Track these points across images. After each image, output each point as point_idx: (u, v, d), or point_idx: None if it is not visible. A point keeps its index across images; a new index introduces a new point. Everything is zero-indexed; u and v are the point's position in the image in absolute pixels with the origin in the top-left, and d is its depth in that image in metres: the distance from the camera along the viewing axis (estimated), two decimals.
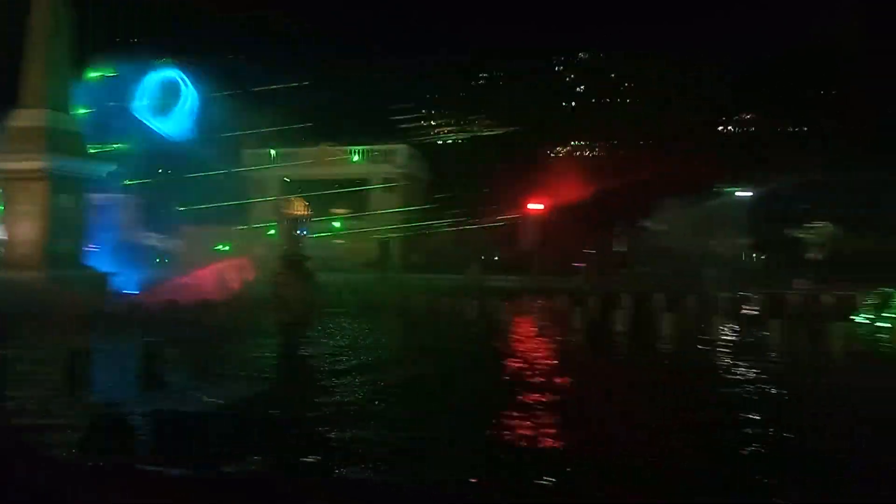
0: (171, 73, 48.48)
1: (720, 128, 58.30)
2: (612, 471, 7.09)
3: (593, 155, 51.12)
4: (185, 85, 48.13)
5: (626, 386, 11.84)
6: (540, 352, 15.89)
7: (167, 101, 48.00)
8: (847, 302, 23.22)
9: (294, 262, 15.78)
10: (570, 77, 52.90)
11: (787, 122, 57.51)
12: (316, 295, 16.62)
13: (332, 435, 7.93)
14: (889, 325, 20.33)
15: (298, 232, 16.13)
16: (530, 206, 46.48)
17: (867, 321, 21.03)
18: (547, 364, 14.43)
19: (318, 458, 6.47)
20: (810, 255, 45.16)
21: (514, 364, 13.95)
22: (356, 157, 51.53)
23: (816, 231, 46.84)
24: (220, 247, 37.97)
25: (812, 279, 38.33)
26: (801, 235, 47.16)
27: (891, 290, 21.15)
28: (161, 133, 46.84)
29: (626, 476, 6.94)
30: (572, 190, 47.81)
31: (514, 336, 18.68)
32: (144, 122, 46.67)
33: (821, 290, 30.97)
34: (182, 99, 48.01)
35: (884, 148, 43.64)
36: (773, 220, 46.08)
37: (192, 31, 53.23)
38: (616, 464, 7.29)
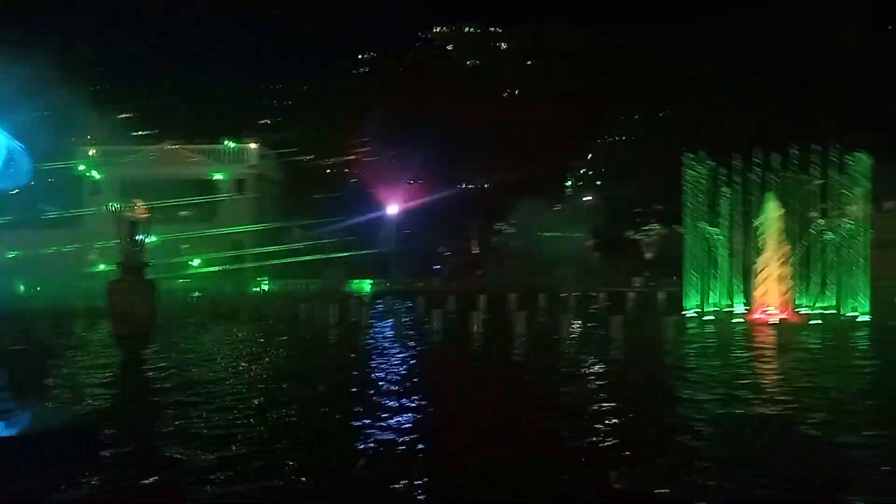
0: None
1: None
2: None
3: (447, 158, 51.97)
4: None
5: (474, 386, 12.02)
6: (393, 354, 15.82)
7: None
8: (677, 297, 25.26)
9: (133, 269, 14.61)
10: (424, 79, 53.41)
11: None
12: (158, 303, 15.51)
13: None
14: (713, 318, 22.41)
15: (138, 237, 14.82)
16: (388, 208, 46.53)
17: (695, 314, 23.05)
18: (398, 368, 14.38)
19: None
20: (647, 255, 49.01)
21: (364, 369, 13.77)
22: (204, 157, 48.97)
23: (650, 233, 50.92)
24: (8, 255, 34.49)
25: (647, 277, 41.78)
26: (637, 237, 51.05)
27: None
28: None
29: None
30: (427, 193, 48.44)
31: (370, 340, 18.49)
32: None
33: (655, 287, 33.82)
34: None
35: None
36: (614, 222, 49.32)
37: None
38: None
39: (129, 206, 15.77)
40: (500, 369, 14.08)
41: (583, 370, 13.64)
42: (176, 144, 48.48)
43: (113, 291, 14.64)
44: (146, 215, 15.35)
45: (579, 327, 20.01)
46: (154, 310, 15.05)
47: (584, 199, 50.14)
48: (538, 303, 27.15)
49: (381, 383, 12.07)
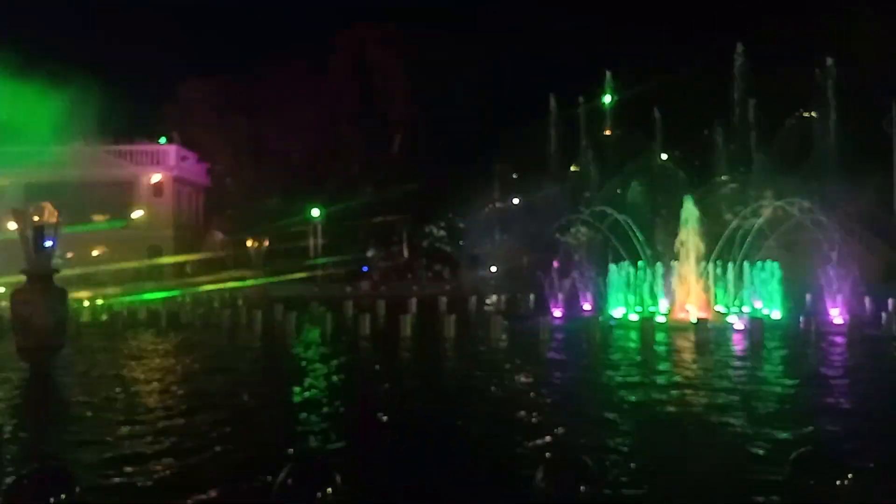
0: None
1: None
2: None
3: (374, 161, 51.58)
4: None
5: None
6: (329, 360, 15.43)
7: None
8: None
9: (39, 278, 13.63)
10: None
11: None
12: (67, 314, 14.55)
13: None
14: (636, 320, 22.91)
15: (45, 243, 13.84)
16: (313, 212, 45.67)
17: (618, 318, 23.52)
18: (328, 376, 14.03)
19: None
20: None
21: (286, 378, 13.33)
22: (119, 158, 46.72)
23: (577, 236, 51.95)
24: None
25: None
26: (568, 240, 51.88)
27: None
28: None
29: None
30: (354, 196, 47.84)
31: (297, 347, 17.99)
32: None
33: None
34: None
35: None
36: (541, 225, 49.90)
37: None
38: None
39: (37, 209, 14.68)
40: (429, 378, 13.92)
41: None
42: (88, 144, 46.02)
43: (16, 301, 13.68)
44: (55, 219, 14.32)
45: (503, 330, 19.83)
46: (63, 320, 14.11)
47: (514, 201, 50.68)
48: (468, 306, 27.18)
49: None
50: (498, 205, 50.38)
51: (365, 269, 47.00)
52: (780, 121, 41.13)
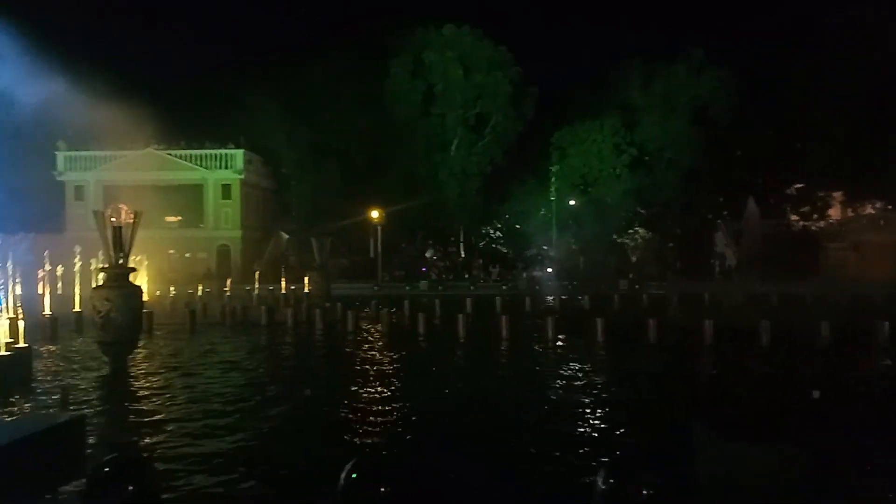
0: None
1: None
2: None
3: (433, 162, 52.02)
4: None
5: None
6: (387, 355, 15.89)
7: None
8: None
9: (117, 277, 14.53)
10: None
11: None
12: (142, 311, 15.45)
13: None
14: None
15: (122, 242, 14.73)
16: (373, 213, 46.46)
17: None
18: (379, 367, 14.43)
19: None
20: (634, 258, 49.23)
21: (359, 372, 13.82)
22: (189, 162, 48.75)
23: (635, 237, 51.20)
24: None
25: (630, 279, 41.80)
26: (625, 241, 51.26)
27: None
28: None
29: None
30: (413, 197, 48.36)
31: (365, 346, 18.51)
32: None
33: (643, 290, 33.91)
34: None
35: None
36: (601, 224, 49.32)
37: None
38: None
39: (114, 211, 15.68)
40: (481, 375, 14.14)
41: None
42: (160, 148, 48.20)
43: (96, 298, 14.57)
44: (132, 220, 15.20)
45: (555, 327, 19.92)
46: (138, 317, 15.00)
47: (570, 202, 50.27)
48: (524, 305, 27.28)
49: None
50: (553, 205, 50.10)
51: (423, 268, 47.58)
52: None
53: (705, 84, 47.39)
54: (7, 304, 20.58)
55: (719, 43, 47.55)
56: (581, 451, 8.32)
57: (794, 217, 50.84)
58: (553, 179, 49.60)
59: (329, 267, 35.37)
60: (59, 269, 25.75)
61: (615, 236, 50.68)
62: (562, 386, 12.80)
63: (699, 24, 57.86)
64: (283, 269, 38.99)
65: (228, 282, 35.23)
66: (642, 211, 50.25)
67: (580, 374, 13.76)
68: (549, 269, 46.74)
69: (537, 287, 37.07)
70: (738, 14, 59.21)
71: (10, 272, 20.48)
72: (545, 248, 50.90)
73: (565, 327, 19.47)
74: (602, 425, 9.70)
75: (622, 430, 9.37)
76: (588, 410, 10.53)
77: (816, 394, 11.22)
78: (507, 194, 50.55)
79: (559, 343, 18.10)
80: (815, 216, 50.27)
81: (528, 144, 50.15)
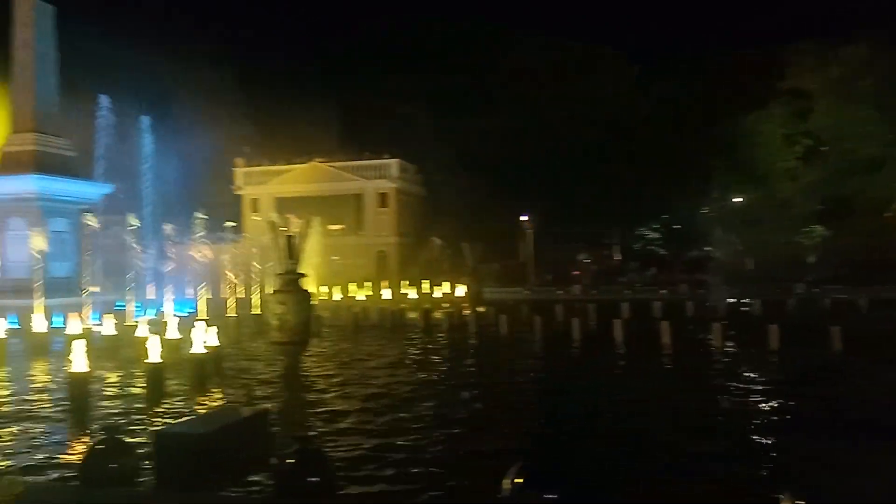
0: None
1: None
2: None
3: (585, 164, 50.95)
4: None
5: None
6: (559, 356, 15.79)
7: None
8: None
9: (290, 282, 15.61)
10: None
11: None
12: (311, 313, 16.47)
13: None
14: None
15: (293, 249, 15.85)
16: (523, 217, 46.43)
17: None
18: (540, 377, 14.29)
19: None
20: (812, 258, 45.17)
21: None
22: (349, 173, 51.59)
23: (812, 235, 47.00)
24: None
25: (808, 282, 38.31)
26: (801, 240, 47.19)
27: None
28: None
29: None
30: (565, 200, 47.69)
31: (522, 349, 18.55)
32: None
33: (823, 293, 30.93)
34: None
35: None
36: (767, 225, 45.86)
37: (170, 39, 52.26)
38: None
39: (285, 221, 16.86)
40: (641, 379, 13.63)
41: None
42: (323, 161, 51.45)
43: (272, 302, 15.77)
44: (304, 229, 16.28)
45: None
46: (308, 319, 16.02)
47: (734, 199, 47.18)
48: (686, 311, 25.97)
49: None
50: (717, 204, 47.29)
51: (576, 272, 46.80)
52: None
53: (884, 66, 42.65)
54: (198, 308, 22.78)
55: None
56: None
57: None
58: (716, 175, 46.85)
59: (481, 271, 35.87)
60: (239, 276, 28.21)
61: (789, 235, 46.83)
62: (738, 391, 12.12)
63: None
64: (437, 274, 40.02)
65: (386, 286, 36.73)
66: (820, 207, 46.00)
67: (756, 382, 12.90)
68: (714, 272, 44.05)
69: (704, 291, 35.05)
70: None
71: (201, 280, 22.65)
72: (707, 249, 48.12)
73: (735, 335, 18.31)
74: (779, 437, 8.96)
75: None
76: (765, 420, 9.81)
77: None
78: (664, 193, 48.43)
79: (727, 349, 17.06)
80: None
81: (685, 140, 47.81)
